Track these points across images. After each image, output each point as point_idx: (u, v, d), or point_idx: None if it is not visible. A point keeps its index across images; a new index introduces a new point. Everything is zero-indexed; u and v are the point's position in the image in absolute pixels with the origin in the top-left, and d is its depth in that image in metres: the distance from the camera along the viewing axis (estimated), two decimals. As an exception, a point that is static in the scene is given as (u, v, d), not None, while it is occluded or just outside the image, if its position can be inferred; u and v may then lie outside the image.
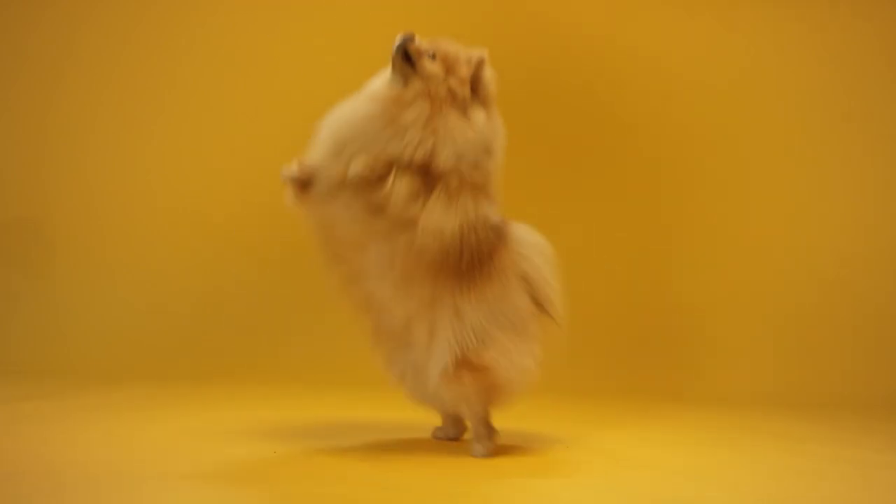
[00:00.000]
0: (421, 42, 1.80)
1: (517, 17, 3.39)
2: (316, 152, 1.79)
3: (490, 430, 1.83)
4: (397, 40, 1.78)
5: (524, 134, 3.39)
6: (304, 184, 1.75)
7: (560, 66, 3.38)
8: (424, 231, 1.69)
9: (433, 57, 1.78)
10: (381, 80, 1.83)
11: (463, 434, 1.98)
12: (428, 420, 2.03)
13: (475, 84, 1.80)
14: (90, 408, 2.35)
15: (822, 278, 3.17)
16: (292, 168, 1.77)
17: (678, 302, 3.19)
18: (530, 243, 1.86)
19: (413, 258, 1.70)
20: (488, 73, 1.84)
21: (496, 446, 1.83)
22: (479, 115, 1.79)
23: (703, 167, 3.32)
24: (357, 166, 1.70)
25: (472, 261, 1.72)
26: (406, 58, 1.78)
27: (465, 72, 1.79)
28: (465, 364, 1.72)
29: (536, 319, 1.82)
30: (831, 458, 1.94)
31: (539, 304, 1.83)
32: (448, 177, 1.72)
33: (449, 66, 1.78)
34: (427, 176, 1.71)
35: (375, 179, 1.70)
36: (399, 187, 1.69)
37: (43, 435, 1.91)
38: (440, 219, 1.70)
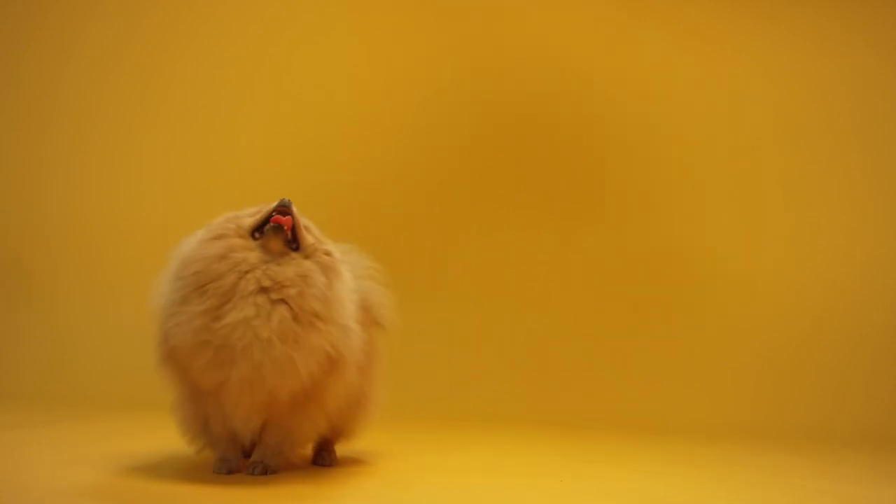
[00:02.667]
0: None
1: (500, 51, 3.47)
2: None
3: None
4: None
5: (501, 163, 3.48)
6: None
7: (544, 101, 3.46)
8: None
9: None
10: None
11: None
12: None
13: None
14: (95, 435, 2.38)
15: (808, 313, 3.21)
16: None
17: (663, 334, 3.23)
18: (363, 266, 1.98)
19: None
20: None
21: None
22: None
23: (691, 196, 3.38)
24: None
25: None
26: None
27: None
28: None
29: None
30: (816, 491, 1.96)
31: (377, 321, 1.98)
32: None
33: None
34: None
35: None
36: None
37: (45, 460, 1.93)
38: None
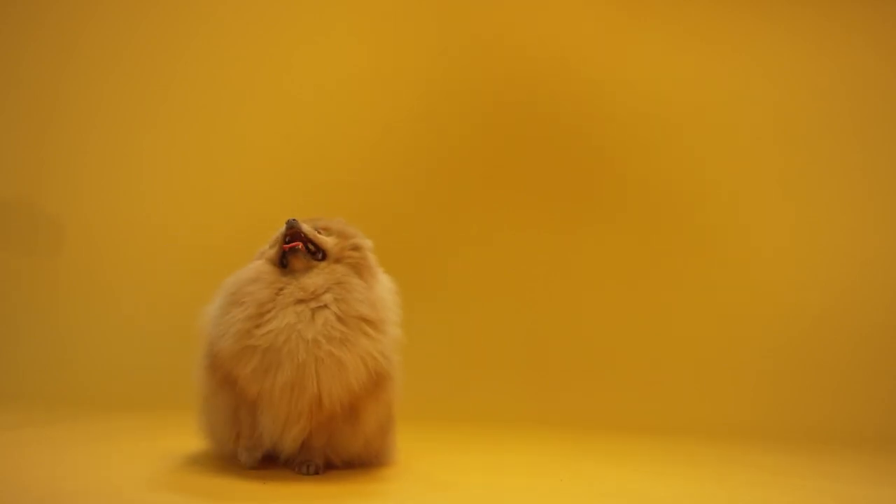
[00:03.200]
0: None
1: (501, 51, 3.46)
2: None
3: None
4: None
5: (501, 163, 3.49)
6: None
7: (543, 98, 3.46)
8: None
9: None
10: None
11: None
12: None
13: None
14: (95, 435, 2.38)
15: (808, 313, 3.21)
16: None
17: (663, 334, 3.23)
18: None
19: None
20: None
21: None
22: None
23: (690, 196, 3.38)
24: None
25: None
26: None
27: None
28: None
29: None
30: (816, 491, 1.96)
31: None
32: None
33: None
34: None
35: None
36: None
37: (45, 460, 1.93)
38: None
